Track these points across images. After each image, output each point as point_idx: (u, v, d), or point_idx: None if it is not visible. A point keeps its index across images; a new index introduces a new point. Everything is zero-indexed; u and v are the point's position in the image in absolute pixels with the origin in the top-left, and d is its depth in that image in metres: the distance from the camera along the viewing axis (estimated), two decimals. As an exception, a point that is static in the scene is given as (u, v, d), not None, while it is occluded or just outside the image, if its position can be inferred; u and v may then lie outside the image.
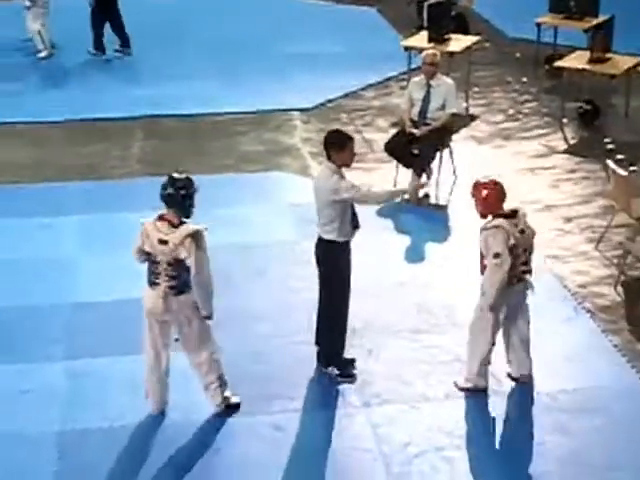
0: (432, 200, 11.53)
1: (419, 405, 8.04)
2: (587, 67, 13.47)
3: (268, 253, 10.19)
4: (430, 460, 7.44)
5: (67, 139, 13.26)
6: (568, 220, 10.98)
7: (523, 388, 8.22)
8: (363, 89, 14.81)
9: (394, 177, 11.65)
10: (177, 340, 7.84)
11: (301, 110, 13.98)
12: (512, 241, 7.82)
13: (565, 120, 13.53)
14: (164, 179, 7.63)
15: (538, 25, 15.41)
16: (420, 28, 15.92)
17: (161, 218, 7.55)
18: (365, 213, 10.73)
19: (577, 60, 13.70)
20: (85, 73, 15.38)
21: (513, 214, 8.00)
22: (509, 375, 8.25)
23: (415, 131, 11.47)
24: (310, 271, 9.13)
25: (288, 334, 8.94)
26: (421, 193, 11.51)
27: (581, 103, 13.59)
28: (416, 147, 11.48)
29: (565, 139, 13.12)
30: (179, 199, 7.48)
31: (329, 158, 8.06)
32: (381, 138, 12.62)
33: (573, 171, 12.18)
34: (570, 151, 12.74)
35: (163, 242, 7.43)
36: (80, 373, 8.47)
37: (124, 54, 16.13)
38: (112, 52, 16.11)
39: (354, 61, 15.91)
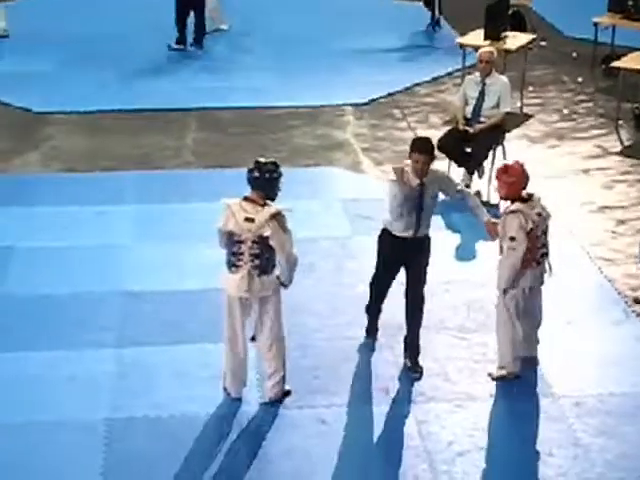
0: (484, 198, 11.49)
1: (464, 404, 8.03)
2: (644, 68, 13.36)
3: (319, 248, 10.21)
4: (474, 459, 7.43)
5: (122, 128, 13.37)
6: (621, 222, 10.91)
7: (570, 391, 8.18)
8: (417, 85, 14.79)
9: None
10: (253, 339, 7.99)
11: (354, 105, 13.99)
12: (530, 225, 7.93)
13: (620, 121, 13.43)
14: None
15: (596, 24, 15.31)
16: (433, 23, 16.05)
17: (246, 199, 7.79)
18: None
19: (634, 61, 13.58)
20: (140, 63, 15.48)
21: (529, 197, 8.13)
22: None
23: (468, 129, 11.44)
24: (360, 266, 9.19)
25: (336, 329, 8.98)
26: (472, 191, 11.48)
27: (637, 104, 13.48)
28: (469, 145, 11.45)
29: (620, 140, 13.02)
30: (264, 182, 7.74)
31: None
32: (434, 135, 12.49)
33: (627, 173, 12.09)
34: (625, 153, 12.65)
35: (249, 220, 7.65)
36: (129, 361, 8.55)
37: (196, 49, 16.13)
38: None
39: (408, 57, 15.91)
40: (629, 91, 13.74)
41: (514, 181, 8.06)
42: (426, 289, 8.42)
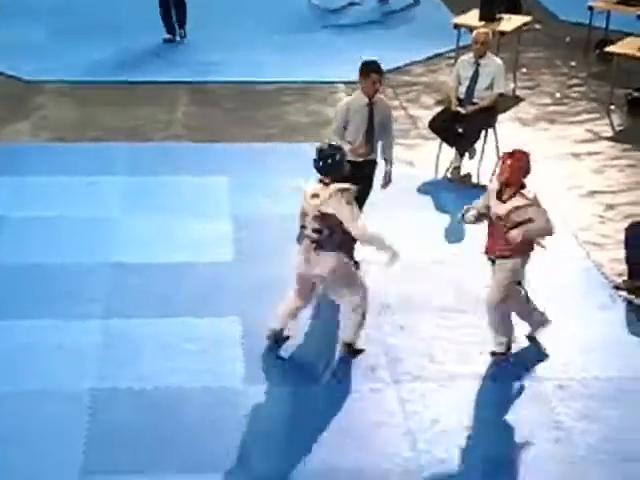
0: (474, 179, 11.50)
1: (449, 384, 8.06)
2: (638, 54, 13.33)
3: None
4: (456, 439, 7.46)
5: (113, 100, 13.32)
6: (610, 207, 10.92)
7: (554, 374, 8.22)
8: (410, 65, 14.74)
9: (437, 155, 11.64)
10: None
11: (346, 83, 13.95)
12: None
13: (612, 107, 13.43)
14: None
15: (590, 8, 15.27)
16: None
17: (320, 181, 8.10)
18: (406, 190, 10.81)
19: (628, 46, 13.56)
20: (133, 35, 15.40)
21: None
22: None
23: (461, 109, 11.44)
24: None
25: (323, 306, 8.98)
26: (463, 172, 11.51)
27: (630, 90, 13.48)
28: (461, 126, 11.45)
29: (612, 125, 13.02)
30: (325, 167, 7.98)
31: None
32: (426, 115, 12.60)
33: (618, 158, 12.10)
34: (616, 138, 12.65)
35: (315, 195, 8.00)
36: (115, 333, 8.56)
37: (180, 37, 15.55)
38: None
39: (402, 36, 15.85)
40: (622, 76, 13.72)
41: (526, 169, 8.13)
42: (413, 266, 8.47)
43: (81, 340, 8.45)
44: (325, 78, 14.08)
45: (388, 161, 9.45)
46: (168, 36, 15.44)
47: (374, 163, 9.37)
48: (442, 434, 7.52)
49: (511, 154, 8.12)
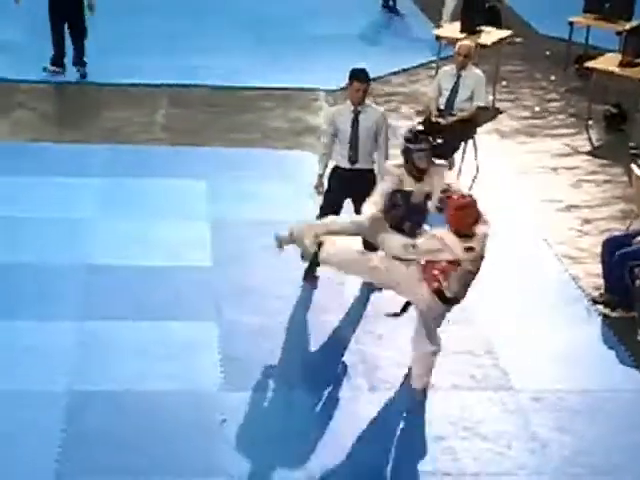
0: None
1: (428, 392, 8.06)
2: (617, 70, 13.40)
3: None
4: (430, 450, 7.46)
5: (92, 101, 13.27)
6: (587, 222, 10.96)
7: (530, 385, 8.23)
8: (391, 74, 14.76)
9: (416, 165, 11.65)
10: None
11: (327, 91, 13.95)
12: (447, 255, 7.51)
13: (591, 122, 13.49)
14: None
15: (571, 24, 15.34)
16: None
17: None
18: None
19: (607, 62, 13.65)
20: (114, 36, 15.31)
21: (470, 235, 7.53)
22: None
23: (441, 120, 11.46)
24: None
25: (300, 312, 8.97)
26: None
27: (608, 106, 13.55)
28: (440, 137, 11.44)
29: (590, 140, 13.08)
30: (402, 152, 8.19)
31: None
32: (405, 125, 12.55)
33: (595, 173, 12.15)
34: (594, 153, 12.71)
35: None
36: (89, 335, 8.50)
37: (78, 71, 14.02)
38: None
39: (383, 46, 15.88)
40: (600, 92, 13.80)
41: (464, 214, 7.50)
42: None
43: (55, 342, 8.39)
44: (306, 85, 14.07)
45: (379, 172, 9.12)
46: (52, 67, 13.93)
47: (365, 172, 9.15)
48: (418, 444, 7.51)
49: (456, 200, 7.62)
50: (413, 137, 8.09)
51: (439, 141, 11.34)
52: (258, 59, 14.86)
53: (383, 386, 8.10)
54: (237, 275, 9.45)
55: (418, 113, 13.15)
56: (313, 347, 8.54)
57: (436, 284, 7.54)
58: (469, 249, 7.41)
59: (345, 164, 9.13)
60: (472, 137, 11.81)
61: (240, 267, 9.58)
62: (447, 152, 11.54)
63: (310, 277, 9.27)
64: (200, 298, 9.09)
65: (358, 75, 9.07)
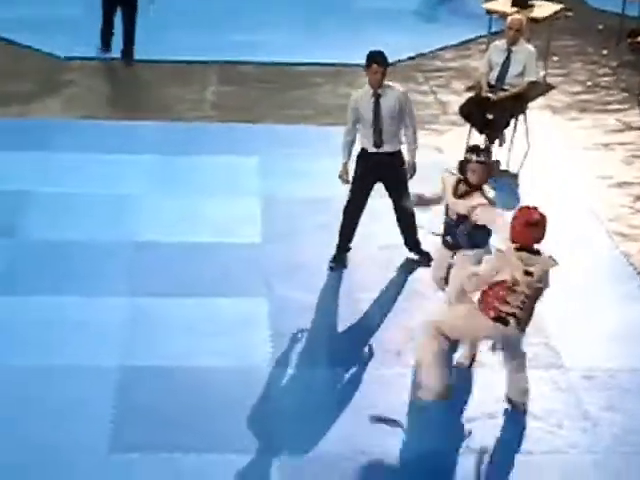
0: (503, 167, 11.44)
1: (475, 370, 8.02)
2: (671, 44, 13.25)
3: (335, 207, 10.16)
4: (484, 428, 7.42)
5: (144, 78, 13.33)
6: (639, 198, 10.85)
7: (581, 364, 8.17)
8: (441, 49, 14.68)
9: (466, 141, 11.58)
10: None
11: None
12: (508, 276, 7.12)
13: (643, 96, 13.35)
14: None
15: (623, -3, 15.16)
16: None
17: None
18: (434, 176, 10.73)
19: (661, 36, 13.48)
20: (165, 14, 15.34)
21: (536, 252, 7.18)
22: None
23: (492, 96, 11.37)
24: (375, 228, 9.18)
25: (349, 289, 8.98)
26: (493, 158, 11.43)
27: (662, 80, 13.39)
28: (491, 112, 11.38)
29: (642, 115, 12.95)
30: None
31: None
32: (456, 101, 12.54)
33: (648, 149, 12.03)
34: (646, 129, 12.58)
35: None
36: (139, 311, 8.56)
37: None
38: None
39: (434, 21, 15.79)
40: (654, 67, 13.64)
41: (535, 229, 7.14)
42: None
43: (106, 318, 8.46)
44: (355, 61, 13.98)
45: (410, 152, 9.17)
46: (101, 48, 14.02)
47: (392, 155, 9.11)
48: (468, 422, 7.49)
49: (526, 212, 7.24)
50: (473, 148, 7.91)
51: (490, 117, 11.39)
52: (309, 34, 14.83)
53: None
54: (287, 252, 9.47)
55: (468, 88, 13.06)
56: (363, 323, 8.54)
57: (493, 312, 7.18)
58: (528, 274, 7.05)
59: (371, 148, 9.03)
60: (523, 113, 11.71)
61: (290, 244, 9.60)
62: (498, 128, 11.48)
63: (339, 263, 9.29)
64: (250, 274, 9.12)
65: (375, 57, 8.90)
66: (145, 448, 7.05)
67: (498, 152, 11.53)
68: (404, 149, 9.17)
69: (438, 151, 11.50)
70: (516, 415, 7.56)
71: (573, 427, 7.48)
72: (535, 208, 7.18)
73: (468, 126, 11.60)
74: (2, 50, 14.05)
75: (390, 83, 9.07)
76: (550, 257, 7.16)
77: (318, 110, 12.56)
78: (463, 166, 7.85)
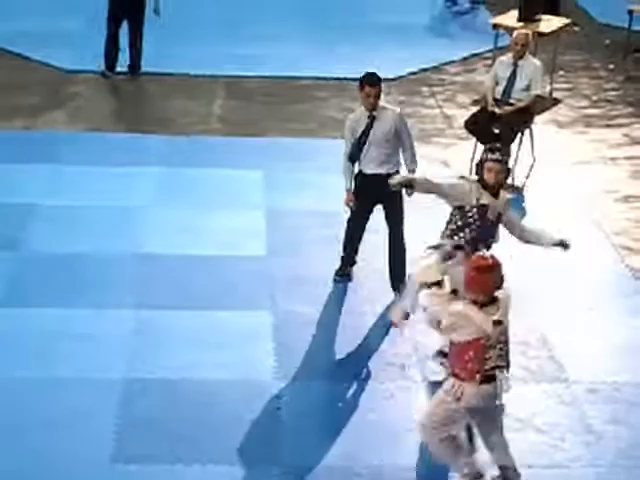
0: (509, 180, 11.41)
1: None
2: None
3: (343, 220, 10.17)
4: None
5: (149, 91, 13.37)
6: (645, 212, 10.85)
7: (585, 377, 8.15)
8: (447, 64, 14.71)
9: (472, 154, 11.58)
10: None
11: (382, 80, 13.86)
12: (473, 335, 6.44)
13: (650, 111, 13.35)
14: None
15: (630, 12, 15.16)
16: None
17: None
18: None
19: (668, 51, 13.48)
20: (170, 27, 15.38)
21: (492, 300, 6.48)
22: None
23: (498, 110, 11.38)
24: (381, 239, 9.16)
25: (354, 301, 8.97)
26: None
27: (668, 95, 13.39)
28: (497, 126, 11.39)
29: (649, 130, 12.94)
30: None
31: None
32: (461, 114, 12.56)
33: (654, 163, 12.02)
34: (653, 143, 12.57)
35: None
36: (146, 323, 8.57)
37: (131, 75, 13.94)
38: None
39: (440, 35, 15.83)
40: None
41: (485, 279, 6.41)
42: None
43: (111, 330, 8.46)
44: (361, 75, 14.00)
45: (408, 171, 8.86)
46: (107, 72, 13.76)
47: (389, 177, 8.39)
48: (469, 434, 7.47)
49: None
50: (490, 148, 7.70)
51: (495, 131, 11.39)
52: (315, 48, 14.88)
53: (435, 377, 8.06)
54: (292, 265, 9.47)
55: (474, 102, 13.08)
56: (367, 337, 8.52)
57: (470, 373, 6.50)
58: (498, 323, 6.42)
59: (369, 170, 8.84)
60: (529, 127, 11.72)
61: (295, 257, 9.60)
62: (504, 142, 11.47)
63: (344, 277, 9.25)
64: (254, 287, 9.12)
65: (368, 79, 8.74)
66: (147, 460, 7.04)
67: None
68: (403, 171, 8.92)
69: (444, 165, 11.51)
70: (519, 429, 7.53)
71: (576, 441, 7.45)
72: (489, 255, 6.62)
73: (474, 140, 11.60)
74: (7, 63, 14.12)
75: (386, 105, 8.89)
76: (503, 292, 6.51)
77: (323, 124, 12.58)
78: (480, 166, 7.69)
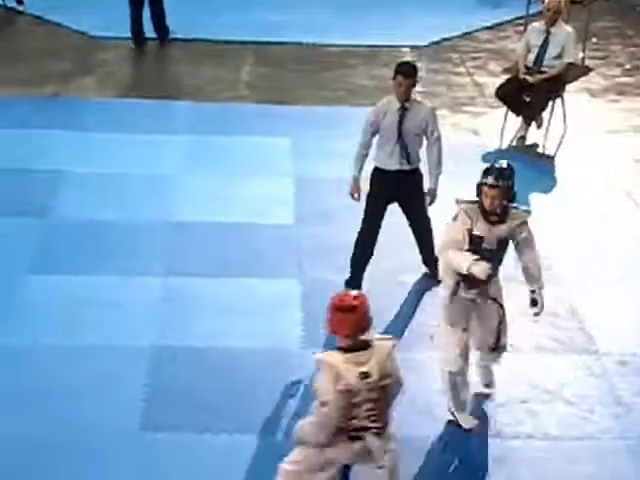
0: (540, 149, 11.35)
1: (509, 356, 7.94)
2: None
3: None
4: (515, 413, 7.38)
5: (178, 58, 13.32)
6: (678, 182, 10.74)
7: (615, 349, 8.09)
8: (478, 31, 14.59)
9: (502, 123, 11.49)
10: None
11: (413, 47, 13.82)
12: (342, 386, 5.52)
13: (684, 79, 13.20)
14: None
15: (665, -22, 14.99)
16: None
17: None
18: (470, 159, 10.67)
19: (703, 18, 13.30)
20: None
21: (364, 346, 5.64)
22: None
23: (529, 78, 11.26)
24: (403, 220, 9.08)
25: (382, 270, 8.92)
26: (529, 141, 11.36)
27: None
28: (528, 94, 11.28)
29: (682, 99, 12.80)
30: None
31: None
32: (492, 82, 12.45)
33: (688, 133, 11.89)
34: (686, 112, 12.43)
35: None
36: (174, 291, 8.57)
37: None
38: None
39: (470, 2, 15.66)
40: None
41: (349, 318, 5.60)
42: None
43: (139, 297, 8.47)
44: (391, 42, 13.94)
45: (433, 177, 8.43)
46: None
47: (412, 173, 8.44)
48: (500, 406, 7.44)
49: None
50: (487, 170, 6.70)
51: (527, 99, 11.29)
52: (345, 15, 14.77)
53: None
54: (320, 233, 9.44)
55: (505, 70, 12.93)
56: (395, 306, 8.49)
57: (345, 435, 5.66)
58: (364, 375, 5.53)
59: (391, 166, 8.36)
60: (561, 95, 11.59)
61: (323, 225, 9.57)
62: (535, 110, 11.38)
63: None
64: (282, 255, 9.10)
65: (402, 69, 8.18)
66: (175, 428, 7.05)
67: (534, 135, 11.44)
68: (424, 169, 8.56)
69: (474, 133, 11.43)
70: (548, 400, 7.49)
71: (606, 413, 7.41)
72: (354, 294, 5.73)
73: (505, 108, 11.50)
74: (38, 29, 14.12)
75: (418, 98, 8.40)
76: (385, 339, 5.78)
77: (352, 91, 12.50)
78: (478, 189, 6.77)
